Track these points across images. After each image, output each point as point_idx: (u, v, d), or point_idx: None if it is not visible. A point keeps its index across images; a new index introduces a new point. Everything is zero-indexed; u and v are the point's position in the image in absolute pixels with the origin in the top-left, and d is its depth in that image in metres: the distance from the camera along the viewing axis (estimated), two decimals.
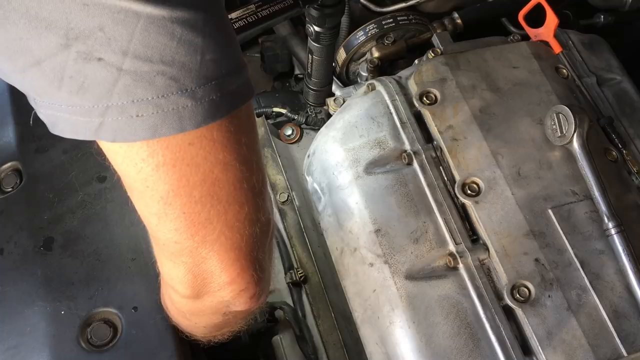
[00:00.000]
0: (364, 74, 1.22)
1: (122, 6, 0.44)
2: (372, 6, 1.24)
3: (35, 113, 0.52)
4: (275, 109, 1.27)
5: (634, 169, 0.97)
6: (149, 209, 0.56)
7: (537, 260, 0.86)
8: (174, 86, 0.47)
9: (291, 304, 1.08)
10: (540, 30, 1.09)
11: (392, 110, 0.98)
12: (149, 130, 0.48)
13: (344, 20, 1.23)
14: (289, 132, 1.27)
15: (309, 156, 1.05)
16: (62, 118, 0.49)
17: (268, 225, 0.62)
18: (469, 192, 0.90)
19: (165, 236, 0.57)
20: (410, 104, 0.98)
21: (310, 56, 1.13)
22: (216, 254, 0.58)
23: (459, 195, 0.90)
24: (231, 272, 0.59)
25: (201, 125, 0.49)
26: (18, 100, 0.99)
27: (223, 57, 0.50)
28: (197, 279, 0.60)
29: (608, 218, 0.87)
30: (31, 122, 0.54)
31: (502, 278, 0.85)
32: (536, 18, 1.10)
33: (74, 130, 0.50)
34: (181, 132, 0.49)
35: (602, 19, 1.33)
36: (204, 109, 0.49)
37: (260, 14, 0.95)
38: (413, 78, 0.99)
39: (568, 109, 0.90)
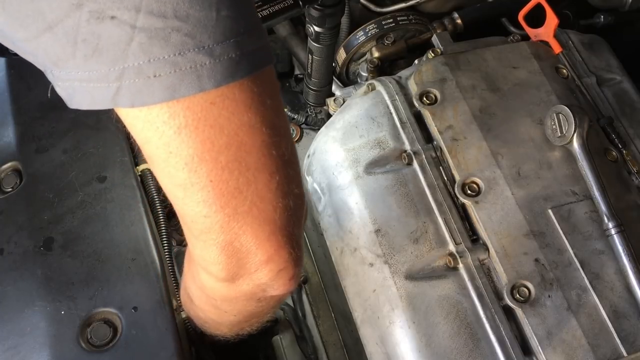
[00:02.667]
0: (364, 74, 1.22)
1: None
2: (372, 6, 1.24)
3: (52, 87, 0.51)
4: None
5: (634, 169, 0.97)
6: (174, 180, 0.52)
7: (537, 260, 0.86)
8: (190, 43, 0.45)
9: (291, 304, 1.08)
10: (540, 30, 1.09)
11: (392, 110, 0.98)
12: (167, 90, 0.46)
13: (344, 20, 1.23)
14: None
15: (309, 156, 1.05)
16: (79, 88, 0.48)
17: (302, 199, 0.58)
18: (469, 192, 0.90)
19: (193, 210, 0.53)
20: (410, 104, 0.98)
21: (310, 56, 1.13)
22: (249, 228, 0.54)
23: (459, 195, 0.90)
24: (267, 248, 0.56)
25: (221, 85, 0.47)
26: (18, 100, 0.99)
27: (239, 15, 0.48)
28: (231, 259, 0.56)
29: (608, 218, 0.87)
30: (49, 95, 0.53)
31: (502, 278, 0.85)
32: (536, 18, 1.10)
33: (92, 99, 0.48)
34: (200, 91, 0.47)
35: (602, 19, 1.33)
36: (222, 67, 0.47)
37: (260, 14, 0.94)
38: (413, 78, 0.99)
39: (568, 109, 0.90)
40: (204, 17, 0.45)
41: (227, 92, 0.49)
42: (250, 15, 0.50)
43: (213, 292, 0.66)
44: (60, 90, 0.50)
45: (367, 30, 1.18)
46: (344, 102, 1.13)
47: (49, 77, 0.50)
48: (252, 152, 0.52)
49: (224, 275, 0.59)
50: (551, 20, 1.06)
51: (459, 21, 1.24)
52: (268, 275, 0.58)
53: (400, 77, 1.03)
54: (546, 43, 1.08)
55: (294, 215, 0.57)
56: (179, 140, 0.49)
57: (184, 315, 0.87)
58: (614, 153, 0.97)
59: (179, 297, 0.86)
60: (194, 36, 0.45)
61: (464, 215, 0.90)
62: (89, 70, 0.46)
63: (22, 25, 0.46)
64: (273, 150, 0.53)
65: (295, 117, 1.27)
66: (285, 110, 1.27)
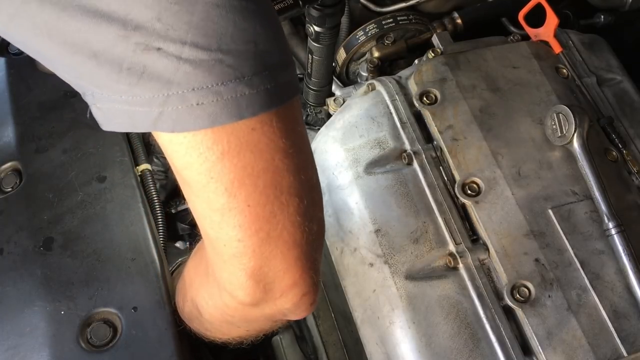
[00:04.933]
0: (364, 74, 1.22)
1: None
2: (372, 6, 1.24)
3: (90, 111, 0.52)
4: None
5: (634, 169, 0.97)
6: (212, 204, 0.54)
7: (537, 260, 0.86)
8: (231, 74, 0.48)
9: None
10: (540, 30, 1.09)
11: (392, 110, 0.98)
12: (209, 118, 0.48)
13: (344, 20, 1.23)
14: None
15: None
16: (120, 110, 0.49)
17: (323, 223, 0.60)
18: (469, 192, 0.90)
19: (228, 234, 0.55)
20: (410, 104, 0.98)
21: (310, 56, 1.13)
22: (280, 252, 0.56)
23: (459, 195, 0.90)
24: (294, 273, 0.57)
25: (258, 114, 0.50)
26: (18, 100, 0.99)
27: (274, 49, 0.51)
28: (259, 285, 0.58)
29: (608, 218, 0.87)
30: (88, 116, 0.54)
31: (502, 278, 0.85)
32: (536, 18, 1.10)
33: (132, 122, 0.50)
34: (239, 119, 0.49)
35: (602, 19, 1.33)
36: (260, 97, 0.49)
37: None
38: (413, 78, 0.99)
39: (568, 109, 0.90)
40: (244, 50, 0.48)
41: (266, 119, 0.51)
42: (284, 49, 0.53)
43: (234, 312, 0.66)
44: (97, 112, 0.52)
45: (367, 30, 1.18)
46: (344, 102, 1.13)
47: (88, 99, 0.51)
48: (286, 176, 0.54)
49: (250, 300, 0.60)
50: (551, 20, 1.06)
51: (459, 21, 1.24)
52: (292, 301, 0.60)
53: (400, 77, 1.03)
54: (546, 43, 1.08)
55: (317, 240, 0.59)
56: (221, 166, 0.51)
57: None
58: (614, 153, 0.97)
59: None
60: (235, 68, 0.48)
61: (464, 215, 0.90)
62: (132, 95, 0.48)
63: (69, 53, 0.48)
64: (302, 175, 0.55)
65: None
66: None
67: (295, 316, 0.63)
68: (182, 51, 0.46)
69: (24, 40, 0.50)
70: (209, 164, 0.51)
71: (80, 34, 0.46)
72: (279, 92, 0.51)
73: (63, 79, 0.52)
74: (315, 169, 0.58)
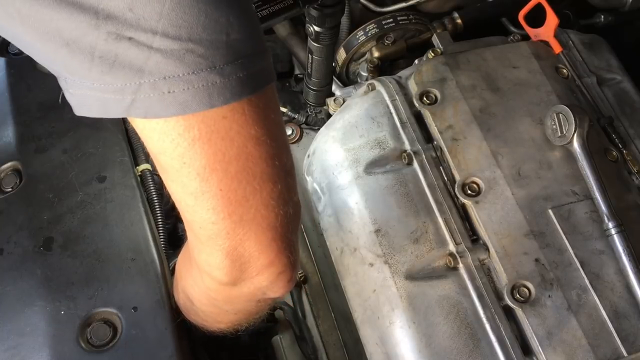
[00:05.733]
0: (364, 74, 1.22)
1: None
2: (372, 6, 1.24)
3: (63, 94, 0.53)
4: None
5: (634, 169, 0.97)
6: (186, 188, 0.56)
7: (537, 260, 0.86)
8: (203, 63, 0.49)
9: (291, 304, 1.08)
10: (540, 30, 1.09)
11: (392, 110, 0.98)
12: (180, 106, 0.49)
13: (344, 20, 1.23)
14: (288, 132, 1.27)
15: (308, 156, 1.05)
16: (92, 97, 0.50)
17: (299, 206, 0.62)
18: (469, 192, 0.90)
19: (202, 217, 0.57)
20: (410, 104, 0.98)
21: (310, 56, 1.13)
22: (253, 234, 0.58)
23: (459, 195, 0.90)
24: (269, 253, 0.60)
25: (229, 102, 0.51)
26: (18, 100, 0.99)
27: (247, 37, 0.52)
28: (235, 264, 0.60)
29: (608, 218, 0.87)
30: (60, 101, 0.55)
31: (502, 278, 0.85)
32: (536, 18, 1.10)
33: (104, 108, 0.51)
34: (210, 108, 0.50)
35: (602, 19, 1.33)
36: (231, 85, 0.50)
37: (260, 14, 0.94)
38: (413, 78, 0.99)
39: (568, 109, 0.90)
40: (215, 40, 0.49)
41: (237, 107, 0.52)
42: (257, 37, 0.54)
43: (216, 293, 0.69)
44: (70, 97, 0.53)
45: (367, 30, 1.18)
46: (344, 102, 1.13)
47: (62, 83, 0.52)
48: (259, 162, 0.55)
49: (228, 279, 0.62)
50: (551, 20, 1.06)
51: (459, 21, 1.24)
52: (268, 279, 0.62)
53: (400, 77, 1.03)
54: (546, 43, 1.08)
55: (292, 222, 0.61)
56: (193, 152, 0.53)
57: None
58: (614, 153, 0.97)
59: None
60: (206, 57, 0.49)
61: (464, 215, 0.90)
62: (104, 83, 0.49)
63: (41, 40, 0.49)
64: (276, 161, 0.57)
65: (295, 117, 1.27)
66: (285, 110, 1.27)
67: (273, 293, 0.65)
68: (153, 40, 0.47)
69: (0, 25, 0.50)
70: (181, 150, 0.53)
71: (52, 22, 0.47)
72: (252, 81, 0.52)
73: (38, 62, 0.53)
74: (290, 154, 0.60)
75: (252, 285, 0.63)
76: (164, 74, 0.48)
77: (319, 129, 1.09)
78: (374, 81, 1.03)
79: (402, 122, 0.96)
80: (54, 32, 0.47)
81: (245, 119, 0.53)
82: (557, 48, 1.07)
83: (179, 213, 0.61)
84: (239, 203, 0.56)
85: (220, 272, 0.61)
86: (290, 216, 0.60)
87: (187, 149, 0.53)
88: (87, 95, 0.51)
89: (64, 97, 0.53)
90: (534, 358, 0.82)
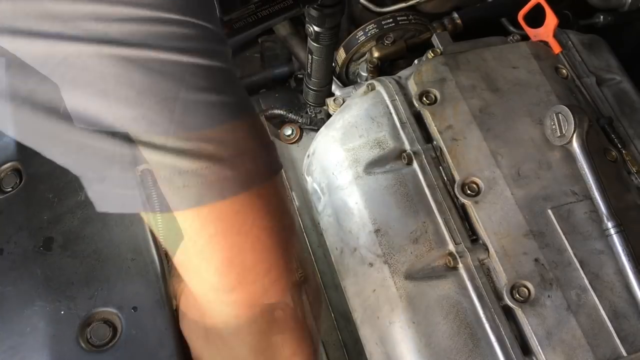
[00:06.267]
0: (364, 74, 1.22)
1: (160, 98, 0.50)
2: (372, 6, 1.24)
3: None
4: (275, 111, 1.27)
5: (634, 169, 0.97)
6: (205, 283, 0.58)
7: (536, 260, 0.86)
8: (214, 158, 0.52)
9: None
10: (540, 30, 1.09)
11: (392, 110, 0.98)
12: (194, 199, 0.52)
13: (344, 20, 1.23)
14: (288, 132, 1.27)
15: (308, 156, 1.05)
16: (112, 193, 0.54)
17: (317, 289, 0.67)
18: (468, 192, 0.90)
19: (224, 311, 0.59)
20: (410, 104, 0.98)
21: (310, 56, 1.13)
22: (275, 325, 0.60)
23: (458, 195, 0.90)
24: (291, 342, 0.62)
25: (239, 193, 0.54)
26: None
27: (255, 135, 0.56)
28: (260, 357, 0.62)
29: (607, 218, 0.87)
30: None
31: (502, 278, 0.85)
32: (536, 18, 1.10)
33: (123, 204, 0.54)
34: (222, 199, 0.53)
35: (602, 19, 1.33)
36: (240, 178, 0.54)
37: (260, 14, 0.94)
38: (413, 78, 0.99)
39: (568, 109, 0.90)
40: (225, 138, 0.53)
41: (248, 201, 0.55)
42: (263, 133, 0.58)
43: None
44: (92, 195, 0.56)
45: (367, 30, 1.18)
46: (343, 102, 1.13)
47: (84, 182, 0.56)
48: (273, 252, 0.58)
49: None
50: (551, 20, 1.06)
51: (458, 21, 1.25)
52: None
53: (400, 77, 1.03)
54: (546, 43, 1.08)
55: (313, 304, 0.65)
56: (210, 248, 0.55)
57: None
58: (613, 153, 0.97)
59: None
60: (216, 154, 0.52)
61: (463, 215, 0.90)
62: (124, 177, 0.52)
63: (57, 145, 0.53)
64: (292, 248, 0.60)
65: (295, 117, 1.27)
66: (285, 110, 1.27)
67: None
68: (167, 141, 0.51)
69: (22, 139, 0.55)
70: (199, 247, 0.55)
71: (76, 139, 0.51)
72: (261, 172, 0.56)
73: (59, 163, 0.57)
74: (300, 239, 0.63)
75: None
76: (179, 170, 0.51)
77: (318, 129, 1.09)
78: (373, 81, 1.03)
79: (401, 122, 0.96)
80: (82, 148, 0.52)
81: (256, 211, 0.56)
82: (556, 48, 1.07)
83: None
84: (259, 295, 0.58)
85: None
86: (308, 301, 0.64)
87: (204, 246, 0.55)
88: (108, 192, 0.54)
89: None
90: (534, 358, 0.82)
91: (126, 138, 0.51)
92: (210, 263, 0.56)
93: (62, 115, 0.50)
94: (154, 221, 0.56)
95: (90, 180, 0.55)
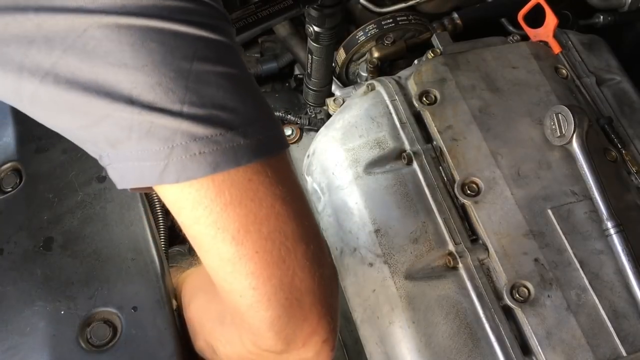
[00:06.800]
0: (364, 74, 1.22)
1: (174, 67, 0.52)
2: (372, 6, 1.25)
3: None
4: (275, 113, 1.28)
5: (633, 169, 0.97)
6: (222, 255, 0.57)
7: (536, 260, 0.86)
8: (227, 126, 0.53)
9: None
10: (540, 30, 1.09)
11: (392, 111, 0.98)
12: (210, 165, 0.53)
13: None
14: (288, 132, 1.27)
15: (308, 156, 1.05)
16: (130, 167, 0.54)
17: (334, 268, 0.63)
18: (468, 192, 0.90)
19: (242, 283, 0.57)
20: (410, 104, 0.98)
21: (310, 56, 1.13)
22: (295, 299, 0.58)
23: (458, 195, 0.90)
24: (312, 320, 0.60)
25: (252, 161, 0.55)
26: None
27: (261, 105, 0.57)
28: (280, 336, 0.60)
29: (607, 218, 0.87)
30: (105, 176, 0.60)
31: (502, 278, 0.85)
32: (536, 18, 1.10)
33: (140, 176, 0.54)
34: (237, 166, 0.54)
35: (602, 19, 1.33)
36: (253, 146, 0.54)
37: (260, 14, 0.95)
38: (413, 78, 0.99)
39: (567, 109, 0.90)
40: (235, 106, 0.54)
41: (261, 169, 0.56)
42: (268, 108, 0.59)
43: (257, 357, 0.67)
44: (112, 172, 0.56)
45: (367, 30, 1.18)
46: (343, 102, 1.13)
47: (104, 161, 0.57)
48: (288, 222, 0.57)
49: (273, 351, 0.62)
50: (550, 20, 1.06)
51: (458, 21, 1.25)
52: (314, 349, 0.61)
53: (400, 77, 1.03)
54: (546, 43, 1.08)
55: (330, 285, 0.61)
56: (226, 215, 0.55)
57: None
58: (613, 153, 0.97)
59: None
60: (230, 121, 0.54)
61: (463, 215, 0.90)
62: (141, 149, 0.53)
63: (76, 117, 0.53)
64: (305, 221, 0.59)
65: (295, 118, 1.27)
66: (285, 111, 1.27)
67: None
68: (182, 109, 0.52)
69: (45, 119, 0.56)
70: (215, 216, 0.55)
71: (90, 104, 0.52)
72: (270, 142, 0.56)
73: (80, 145, 0.58)
74: (314, 218, 0.62)
75: (298, 356, 0.62)
76: (195, 136, 0.52)
77: (318, 129, 1.09)
78: (373, 81, 1.03)
79: (401, 122, 0.96)
80: (93, 108, 0.52)
81: (269, 180, 0.56)
82: (556, 48, 1.07)
83: None
84: (277, 265, 0.57)
85: (265, 344, 0.61)
86: (327, 278, 0.60)
87: (220, 214, 0.55)
88: (127, 167, 0.54)
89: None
90: (534, 358, 0.82)
91: (144, 105, 0.52)
92: (226, 232, 0.56)
93: (83, 86, 0.51)
94: (167, 196, 0.57)
95: (109, 158, 0.55)
